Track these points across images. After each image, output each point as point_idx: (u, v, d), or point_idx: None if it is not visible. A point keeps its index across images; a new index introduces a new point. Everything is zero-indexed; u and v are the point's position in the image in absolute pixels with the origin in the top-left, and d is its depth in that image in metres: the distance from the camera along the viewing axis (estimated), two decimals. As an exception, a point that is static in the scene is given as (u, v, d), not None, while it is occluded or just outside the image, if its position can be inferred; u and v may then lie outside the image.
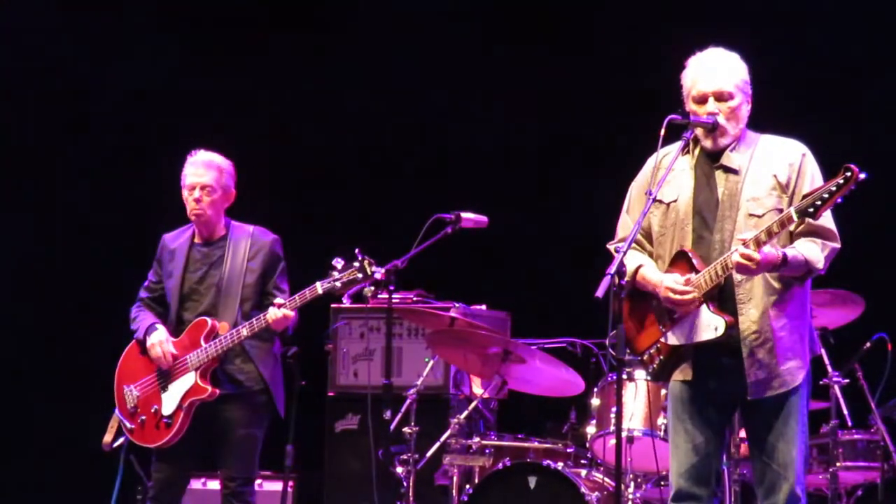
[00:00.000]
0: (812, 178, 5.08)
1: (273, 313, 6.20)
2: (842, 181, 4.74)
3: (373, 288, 6.22)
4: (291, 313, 6.21)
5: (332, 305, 7.85)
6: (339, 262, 6.20)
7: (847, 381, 6.98)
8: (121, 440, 6.48)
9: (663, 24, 8.52)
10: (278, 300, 6.25)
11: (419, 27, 9.08)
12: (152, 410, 6.37)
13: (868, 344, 6.99)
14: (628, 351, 5.20)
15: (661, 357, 5.14)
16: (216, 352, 6.29)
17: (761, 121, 5.29)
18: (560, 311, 8.09)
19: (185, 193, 6.49)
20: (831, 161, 5.00)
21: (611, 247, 5.33)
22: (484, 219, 6.69)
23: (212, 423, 6.34)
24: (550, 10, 8.96)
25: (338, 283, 6.17)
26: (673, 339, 5.09)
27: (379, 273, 6.16)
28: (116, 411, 6.50)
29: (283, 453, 6.56)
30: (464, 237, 6.66)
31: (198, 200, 6.43)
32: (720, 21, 8.20)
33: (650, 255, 5.25)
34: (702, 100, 5.15)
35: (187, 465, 6.47)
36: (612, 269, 4.85)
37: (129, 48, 9.30)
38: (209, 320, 6.35)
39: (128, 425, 6.44)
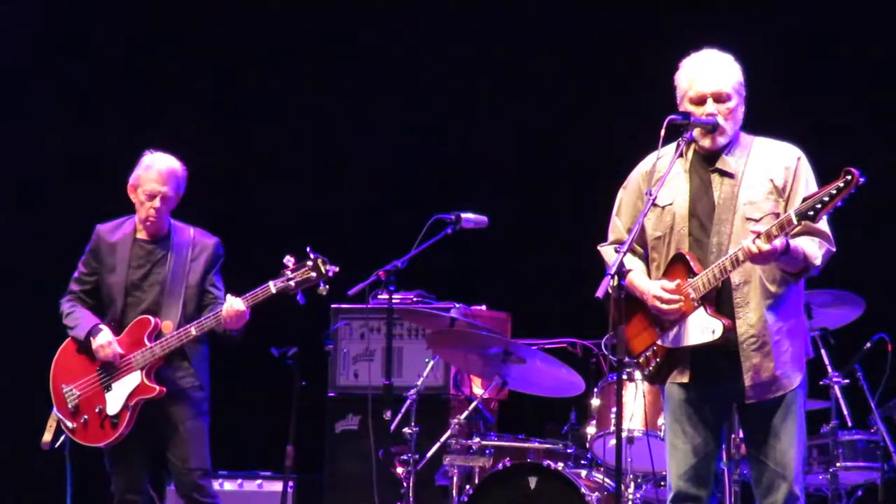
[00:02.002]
0: (807, 181, 5.10)
1: (228, 308, 6.17)
2: (842, 184, 4.75)
3: (327, 286, 6.18)
4: (244, 308, 6.17)
5: (332, 306, 7.86)
6: (290, 261, 6.16)
7: (847, 381, 6.99)
8: (62, 439, 6.43)
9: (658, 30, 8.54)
10: (235, 299, 6.23)
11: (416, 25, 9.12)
12: (96, 410, 6.35)
13: (868, 344, 6.99)
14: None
15: (658, 360, 5.16)
16: (163, 351, 6.28)
17: (754, 122, 5.30)
18: (560, 311, 8.08)
19: (140, 196, 6.41)
20: (829, 164, 5.01)
21: (601, 248, 5.36)
22: (484, 219, 6.70)
23: (159, 421, 6.34)
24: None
25: (291, 283, 6.13)
26: (669, 342, 5.11)
27: (333, 271, 6.12)
28: (55, 410, 6.44)
29: (284, 454, 6.56)
30: (464, 237, 6.67)
31: (157, 209, 6.40)
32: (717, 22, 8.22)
33: (640, 257, 5.27)
34: (700, 101, 5.14)
35: (146, 463, 6.44)
36: (613, 269, 4.85)
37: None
38: (152, 319, 6.34)
39: (69, 425, 6.40)
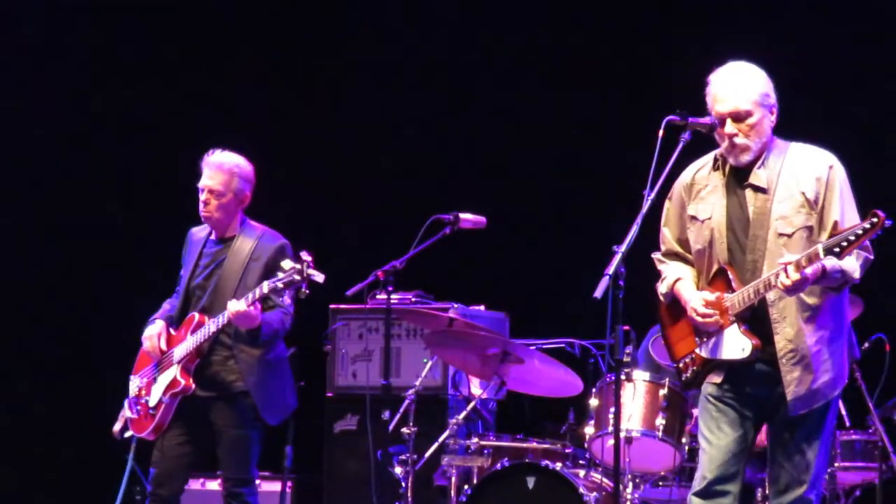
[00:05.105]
0: (840, 190, 5.08)
1: (231, 307, 6.17)
2: (868, 226, 4.80)
3: (307, 291, 6.15)
4: (245, 308, 6.13)
5: (331, 306, 7.86)
6: (287, 263, 6.16)
7: (845, 381, 6.99)
8: (129, 433, 6.52)
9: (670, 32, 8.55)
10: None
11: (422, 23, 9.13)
12: (143, 401, 6.42)
13: (866, 345, 6.99)
14: (669, 357, 5.34)
15: (695, 367, 5.23)
16: (194, 345, 6.29)
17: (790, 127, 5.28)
18: (558, 311, 8.09)
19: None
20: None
21: (654, 256, 5.39)
22: (482, 219, 6.70)
23: (207, 425, 6.35)
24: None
25: (279, 284, 6.13)
26: (706, 353, 5.17)
27: (315, 276, 6.08)
28: (126, 401, 6.53)
29: (282, 454, 6.57)
30: (462, 237, 6.67)
31: (206, 203, 6.41)
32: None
33: (691, 264, 5.29)
34: (721, 122, 5.11)
35: (184, 463, 6.43)
36: (611, 269, 4.86)
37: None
38: (197, 315, 6.35)
39: (128, 414, 6.48)
